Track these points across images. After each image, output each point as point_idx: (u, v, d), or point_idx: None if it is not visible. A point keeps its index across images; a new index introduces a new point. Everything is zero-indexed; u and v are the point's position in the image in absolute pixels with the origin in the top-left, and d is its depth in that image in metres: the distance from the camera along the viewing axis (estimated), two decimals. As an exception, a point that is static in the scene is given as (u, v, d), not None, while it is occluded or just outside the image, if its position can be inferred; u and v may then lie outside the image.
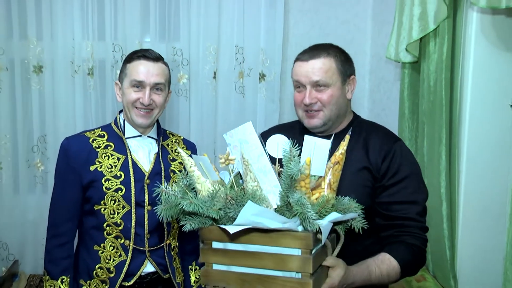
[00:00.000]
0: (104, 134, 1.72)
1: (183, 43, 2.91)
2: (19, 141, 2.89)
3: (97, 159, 1.66)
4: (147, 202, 1.67)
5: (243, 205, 1.19)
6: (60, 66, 2.83)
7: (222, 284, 1.28)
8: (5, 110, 2.85)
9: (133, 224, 1.66)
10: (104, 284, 1.66)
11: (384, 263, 1.40)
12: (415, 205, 1.48)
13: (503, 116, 1.98)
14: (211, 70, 2.94)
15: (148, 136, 1.74)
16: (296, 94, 1.57)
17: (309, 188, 1.28)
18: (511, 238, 1.61)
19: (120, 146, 1.70)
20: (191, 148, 1.85)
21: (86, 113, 2.90)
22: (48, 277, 1.67)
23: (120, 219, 1.65)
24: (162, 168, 1.71)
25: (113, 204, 1.64)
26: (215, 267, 1.29)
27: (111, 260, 1.66)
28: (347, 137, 1.35)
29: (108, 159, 1.66)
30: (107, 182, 1.64)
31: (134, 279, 1.68)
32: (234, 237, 1.25)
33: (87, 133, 1.72)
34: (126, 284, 1.67)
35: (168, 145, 1.80)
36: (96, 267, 1.67)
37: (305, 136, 1.35)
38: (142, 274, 1.69)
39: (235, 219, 1.19)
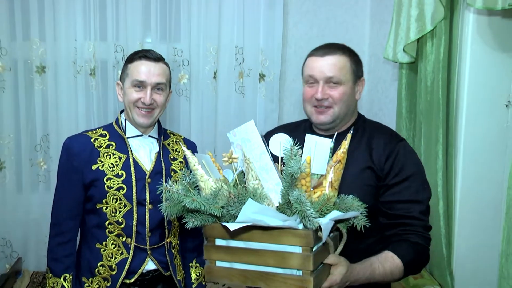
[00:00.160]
0: (105, 134, 1.71)
1: (184, 43, 2.91)
2: (22, 140, 2.89)
3: (99, 158, 1.65)
4: (148, 201, 1.67)
5: (244, 203, 1.18)
6: (63, 66, 2.83)
7: (225, 281, 1.29)
8: (9, 109, 2.85)
9: (134, 222, 1.65)
10: (106, 282, 1.66)
11: (387, 261, 1.39)
12: (418, 204, 1.46)
13: (498, 116, 1.98)
14: (211, 70, 2.94)
15: (149, 136, 1.74)
16: (307, 89, 1.55)
17: (309, 186, 1.27)
18: (506, 235, 1.61)
19: (122, 146, 1.69)
20: (192, 147, 1.85)
21: (88, 113, 2.90)
22: (51, 274, 1.66)
23: (121, 217, 1.64)
24: (163, 167, 1.71)
25: (115, 202, 1.64)
26: (218, 264, 1.29)
27: (113, 258, 1.66)
28: (349, 136, 1.34)
29: (109, 158, 1.66)
30: (108, 181, 1.63)
31: (136, 276, 1.67)
32: (235, 235, 1.25)
33: (89, 132, 1.72)
34: (128, 281, 1.67)
35: (169, 144, 1.79)
36: (98, 264, 1.66)
37: (306, 135, 1.34)
38: (144, 271, 1.69)
39: (237, 216, 1.19)
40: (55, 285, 1.65)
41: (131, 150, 1.69)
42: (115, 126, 1.73)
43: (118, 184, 1.63)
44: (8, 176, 2.89)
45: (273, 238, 1.22)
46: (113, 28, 2.85)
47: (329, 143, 1.32)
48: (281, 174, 1.26)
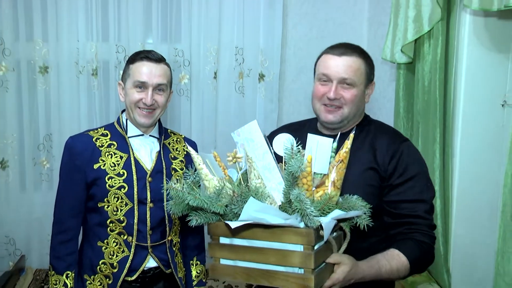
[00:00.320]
0: (107, 133, 1.71)
1: (185, 44, 2.91)
2: (25, 139, 2.88)
3: (100, 158, 1.65)
4: (149, 199, 1.66)
5: (246, 201, 1.18)
6: (65, 66, 2.82)
7: (229, 278, 1.29)
8: (12, 109, 2.84)
9: (135, 221, 1.65)
10: (107, 279, 1.66)
11: (394, 259, 1.37)
12: (423, 203, 1.44)
13: (495, 115, 1.98)
14: (211, 70, 2.94)
15: (150, 135, 1.73)
16: (319, 86, 1.52)
17: (311, 185, 1.26)
18: (502, 233, 1.61)
19: (123, 145, 1.69)
20: (192, 147, 1.82)
21: (90, 113, 2.89)
22: (53, 272, 1.66)
23: (123, 216, 1.64)
24: (164, 166, 1.71)
25: (116, 201, 1.63)
26: (223, 261, 1.30)
27: (114, 256, 1.66)
28: (351, 136, 1.32)
29: (111, 157, 1.66)
30: (110, 180, 1.63)
31: (137, 274, 1.67)
32: (238, 233, 1.25)
33: (91, 132, 1.71)
34: (129, 279, 1.66)
35: (169, 143, 1.79)
36: (100, 262, 1.66)
37: (308, 134, 1.33)
38: (145, 269, 1.68)
39: (240, 215, 1.18)
40: (57, 282, 1.65)
41: (132, 150, 1.69)
42: (117, 126, 1.73)
43: (119, 183, 1.63)
44: (11, 175, 2.88)
45: (275, 237, 1.21)
46: (115, 29, 2.84)
47: (330, 143, 1.32)
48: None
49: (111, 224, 1.65)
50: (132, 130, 1.71)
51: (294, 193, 1.17)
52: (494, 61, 1.96)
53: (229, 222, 1.20)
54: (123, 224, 1.64)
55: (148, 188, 1.66)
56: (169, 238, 1.73)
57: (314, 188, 1.30)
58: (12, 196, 2.90)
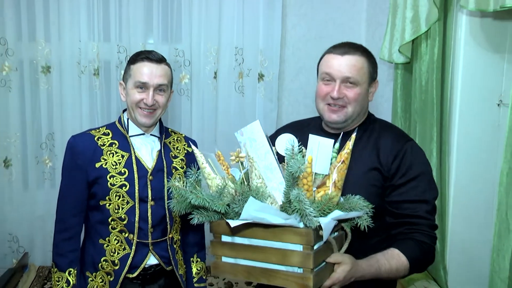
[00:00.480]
0: (108, 132, 1.71)
1: (185, 44, 2.91)
2: (28, 138, 2.89)
3: (102, 157, 1.65)
4: (150, 198, 1.66)
5: (247, 201, 1.18)
6: (67, 66, 2.82)
7: (230, 276, 1.29)
8: (15, 109, 2.84)
9: (136, 218, 1.65)
10: (109, 276, 1.66)
11: (393, 258, 1.36)
12: (425, 203, 1.42)
13: (491, 115, 1.98)
14: (211, 70, 2.94)
15: (151, 134, 1.73)
16: (322, 86, 1.50)
17: (311, 186, 1.25)
18: (498, 231, 1.60)
19: (124, 144, 1.69)
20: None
21: (92, 112, 2.89)
22: (56, 269, 1.66)
23: (124, 214, 1.64)
24: (164, 165, 1.71)
25: (118, 199, 1.63)
26: (224, 259, 1.30)
27: (116, 253, 1.66)
28: (353, 136, 1.31)
29: (112, 156, 1.66)
30: (111, 178, 1.63)
31: (138, 271, 1.67)
32: (239, 231, 1.24)
33: (93, 131, 1.71)
34: (130, 276, 1.66)
35: (170, 142, 1.79)
36: (102, 259, 1.66)
37: (310, 135, 1.32)
38: (146, 266, 1.68)
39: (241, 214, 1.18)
40: (60, 279, 1.65)
41: (133, 148, 1.68)
42: (118, 125, 1.72)
43: (121, 181, 1.63)
44: (14, 173, 2.89)
45: (275, 236, 1.21)
46: (116, 29, 2.84)
47: (331, 143, 1.30)
48: None
49: (112, 222, 1.64)
50: (133, 129, 1.71)
51: (294, 193, 1.17)
52: (490, 61, 1.96)
53: (229, 221, 1.20)
54: (125, 222, 1.64)
55: (149, 186, 1.66)
56: (170, 236, 1.73)
57: (315, 189, 1.29)
58: (15, 194, 2.90)
